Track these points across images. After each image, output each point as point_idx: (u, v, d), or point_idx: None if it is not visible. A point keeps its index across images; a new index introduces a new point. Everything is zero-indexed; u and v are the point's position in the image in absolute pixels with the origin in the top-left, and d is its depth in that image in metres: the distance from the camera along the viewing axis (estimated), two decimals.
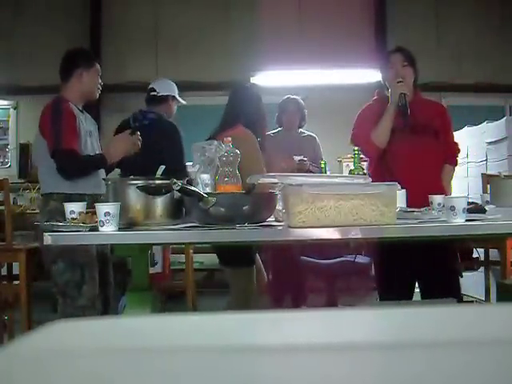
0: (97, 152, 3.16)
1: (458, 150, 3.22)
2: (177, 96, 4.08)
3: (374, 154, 3.12)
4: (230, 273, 3.37)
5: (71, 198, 2.81)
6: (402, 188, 2.39)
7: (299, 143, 4.43)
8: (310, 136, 4.60)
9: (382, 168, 3.09)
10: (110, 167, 3.18)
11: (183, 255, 4.69)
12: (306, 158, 4.21)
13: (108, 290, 3.22)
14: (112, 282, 3.27)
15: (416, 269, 3.05)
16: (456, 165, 3.23)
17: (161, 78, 4.15)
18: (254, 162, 3.06)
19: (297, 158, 4.20)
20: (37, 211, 3.92)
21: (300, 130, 4.57)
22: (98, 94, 3.26)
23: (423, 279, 3.12)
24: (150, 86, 4.02)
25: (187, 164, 3.71)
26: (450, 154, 3.17)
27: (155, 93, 3.96)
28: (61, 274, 3.00)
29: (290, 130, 4.52)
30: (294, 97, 4.55)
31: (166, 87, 4.01)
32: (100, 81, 3.23)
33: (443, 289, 2.98)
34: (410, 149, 3.05)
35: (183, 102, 4.07)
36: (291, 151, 4.23)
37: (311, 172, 4.13)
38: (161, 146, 3.63)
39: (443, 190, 2.95)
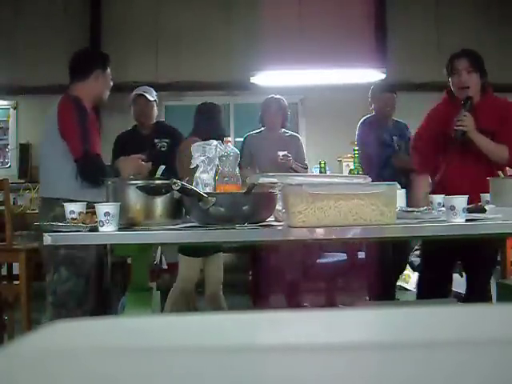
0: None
1: None
2: None
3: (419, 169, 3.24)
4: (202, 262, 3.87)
5: None
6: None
7: (282, 142, 4.44)
8: (293, 136, 4.61)
9: (442, 178, 3.12)
10: None
11: None
12: (289, 155, 4.23)
13: (108, 298, 3.10)
14: (109, 288, 3.15)
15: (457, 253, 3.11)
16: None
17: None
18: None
19: (281, 153, 4.22)
20: (36, 212, 3.83)
21: (283, 129, 4.56)
22: (106, 97, 3.22)
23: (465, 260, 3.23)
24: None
25: None
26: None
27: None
28: (63, 283, 2.84)
29: (273, 129, 4.52)
30: (277, 96, 4.54)
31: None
32: (111, 83, 3.20)
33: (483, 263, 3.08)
34: (464, 159, 3.02)
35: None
36: (274, 150, 4.24)
37: (293, 170, 4.18)
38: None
39: None
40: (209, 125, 3.80)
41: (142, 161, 3.04)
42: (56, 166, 2.92)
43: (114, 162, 3.11)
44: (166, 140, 4.20)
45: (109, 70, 3.17)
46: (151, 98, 4.21)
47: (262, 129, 4.58)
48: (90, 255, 2.86)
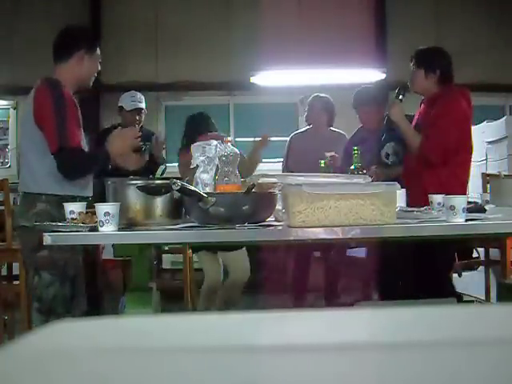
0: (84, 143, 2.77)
1: (436, 148, 3.02)
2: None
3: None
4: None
5: (62, 200, 2.44)
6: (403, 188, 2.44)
7: (328, 141, 4.39)
8: (340, 134, 4.53)
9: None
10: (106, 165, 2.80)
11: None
12: (337, 155, 4.15)
13: (99, 302, 2.97)
14: (102, 292, 3.02)
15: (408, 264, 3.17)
16: (431, 161, 3.05)
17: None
18: None
19: (328, 154, 4.15)
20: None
21: (330, 128, 4.54)
22: (91, 82, 2.88)
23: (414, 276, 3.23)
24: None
25: None
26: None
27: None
28: (46, 287, 2.62)
29: (319, 128, 4.49)
30: (322, 95, 4.51)
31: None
32: (99, 67, 2.87)
33: (429, 287, 3.08)
34: (407, 151, 3.23)
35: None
36: (320, 149, 4.20)
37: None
38: None
39: (440, 189, 2.82)
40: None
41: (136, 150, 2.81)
42: (36, 157, 2.65)
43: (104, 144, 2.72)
44: (148, 143, 4.23)
45: (98, 52, 2.84)
46: (144, 109, 4.40)
47: (308, 127, 4.56)
48: (73, 256, 2.64)
